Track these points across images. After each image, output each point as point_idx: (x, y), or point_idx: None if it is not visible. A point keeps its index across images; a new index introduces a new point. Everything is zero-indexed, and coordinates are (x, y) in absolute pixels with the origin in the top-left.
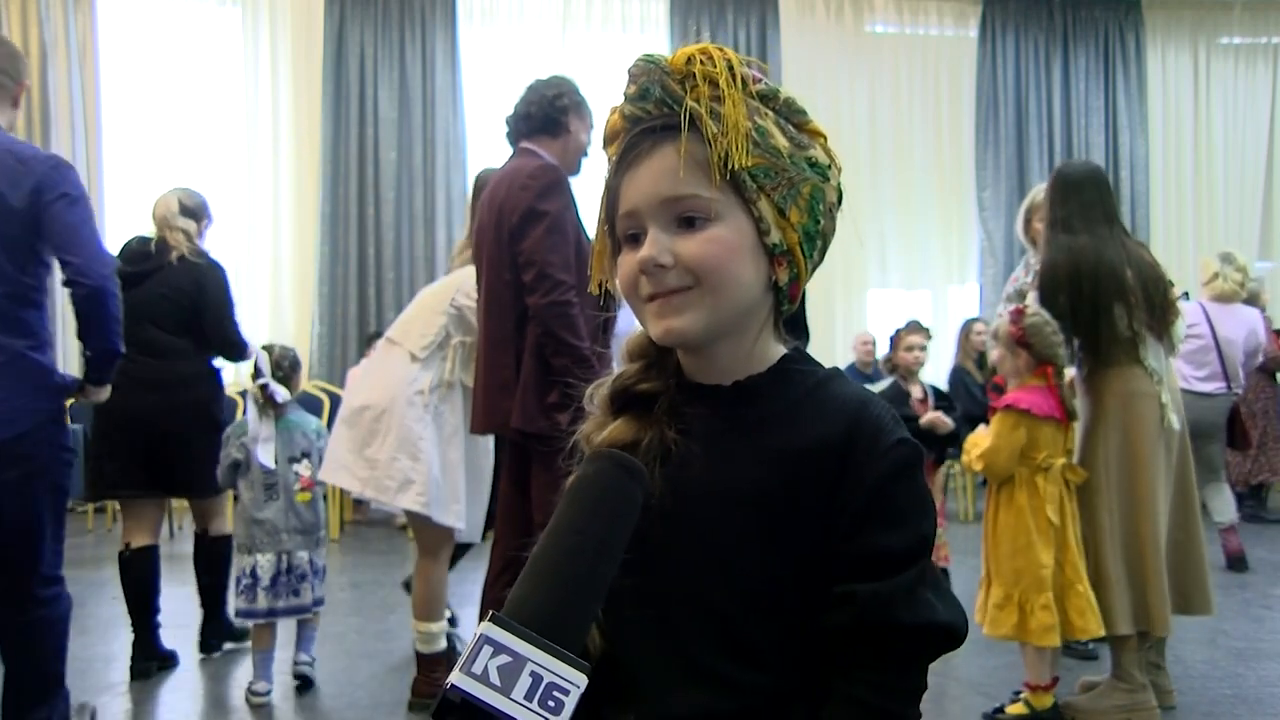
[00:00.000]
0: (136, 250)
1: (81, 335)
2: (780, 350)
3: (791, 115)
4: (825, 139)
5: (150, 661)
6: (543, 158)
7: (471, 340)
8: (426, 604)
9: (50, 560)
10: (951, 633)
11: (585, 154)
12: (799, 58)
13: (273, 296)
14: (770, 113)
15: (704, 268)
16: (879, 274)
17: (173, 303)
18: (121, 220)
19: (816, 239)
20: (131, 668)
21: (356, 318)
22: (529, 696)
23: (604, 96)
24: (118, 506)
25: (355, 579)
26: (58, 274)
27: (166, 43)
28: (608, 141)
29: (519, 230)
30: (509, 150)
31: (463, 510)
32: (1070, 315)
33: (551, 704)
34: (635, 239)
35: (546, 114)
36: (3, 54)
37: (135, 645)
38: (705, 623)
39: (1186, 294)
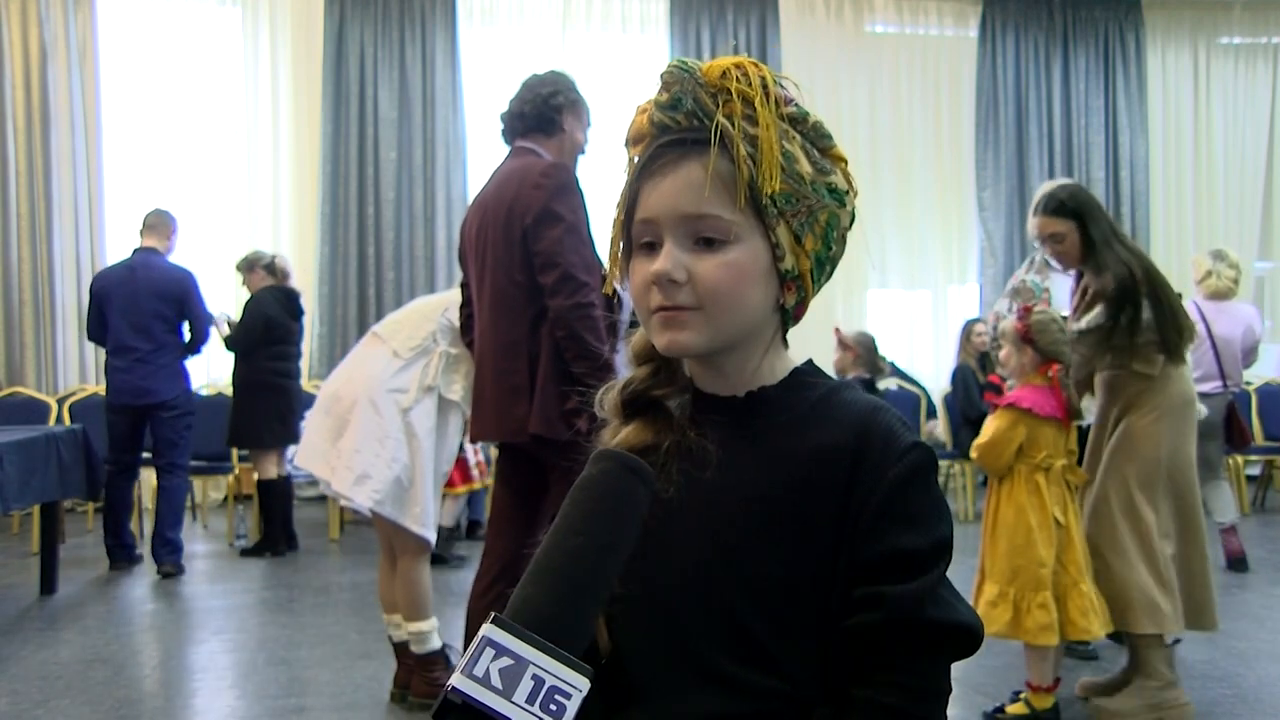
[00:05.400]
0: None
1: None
2: (791, 363)
3: (818, 140)
4: (846, 163)
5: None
6: (544, 156)
7: (457, 353)
8: (413, 604)
9: (184, 455)
10: (973, 634)
11: (582, 152)
12: (799, 58)
13: None
14: (798, 136)
15: (715, 292)
16: (879, 274)
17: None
18: (121, 221)
19: (826, 264)
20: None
21: (356, 318)
22: (530, 700)
23: (604, 96)
24: None
25: (355, 579)
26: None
27: (166, 43)
28: (632, 142)
29: (535, 231)
30: (505, 149)
31: (423, 514)
32: (1153, 316)
33: (553, 707)
34: (650, 246)
35: (540, 112)
36: (160, 218)
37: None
38: (716, 623)
39: (1180, 294)
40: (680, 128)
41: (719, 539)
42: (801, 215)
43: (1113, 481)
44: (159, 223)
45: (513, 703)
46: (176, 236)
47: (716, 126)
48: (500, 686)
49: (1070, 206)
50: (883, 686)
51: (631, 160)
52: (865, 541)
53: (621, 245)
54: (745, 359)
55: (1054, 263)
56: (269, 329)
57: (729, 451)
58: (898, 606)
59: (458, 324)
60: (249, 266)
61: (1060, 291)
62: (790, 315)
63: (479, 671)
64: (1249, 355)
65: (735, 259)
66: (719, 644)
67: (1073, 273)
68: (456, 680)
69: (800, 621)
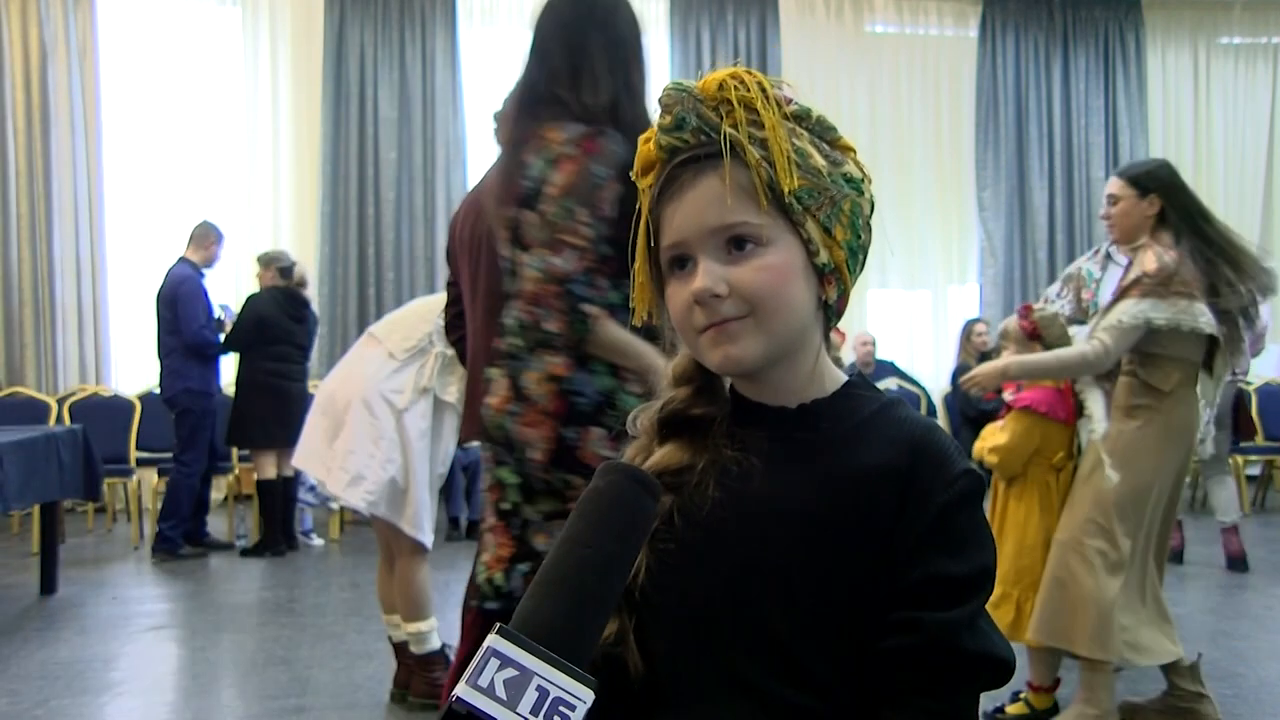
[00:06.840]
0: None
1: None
2: (843, 376)
3: (824, 133)
4: (855, 152)
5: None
6: None
7: (453, 354)
8: (411, 604)
9: (185, 454)
10: (1006, 666)
11: None
12: (799, 58)
13: None
14: (805, 133)
15: (759, 296)
16: (879, 274)
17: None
18: (121, 221)
19: (859, 253)
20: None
21: (356, 318)
22: (535, 711)
23: None
24: (118, 506)
25: (355, 579)
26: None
27: (166, 43)
28: (642, 172)
29: None
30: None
31: (417, 516)
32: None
33: (557, 719)
34: (682, 263)
35: None
36: (199, 229)
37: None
38: (754, 638)
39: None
40: (689, 146)
41: (760, 552)
42: (826, 207)
43: (1091, 490)
44: (194, 234)
45: (517, 713)
46: (220, 247)
47: (725, 136)
48: (505, 697)
49: (1137, 179)
50: (913, 711)
51: (644, 191)
52: (908, 565)
53: (652, 277)
54: (798, 367)
55: (1115, 254)
56: (262, 328)
57: (774, 463)
58: (935, 633)
59: None
60: (265, 263)
61: (1111, 286)
62: (834, 311)
63: (484, 682)
64: (1257, 343)
65: (772, 261)
66: (753, 657)
67: (1125, 261)
68: (461, 690)
69: (837, 639)
